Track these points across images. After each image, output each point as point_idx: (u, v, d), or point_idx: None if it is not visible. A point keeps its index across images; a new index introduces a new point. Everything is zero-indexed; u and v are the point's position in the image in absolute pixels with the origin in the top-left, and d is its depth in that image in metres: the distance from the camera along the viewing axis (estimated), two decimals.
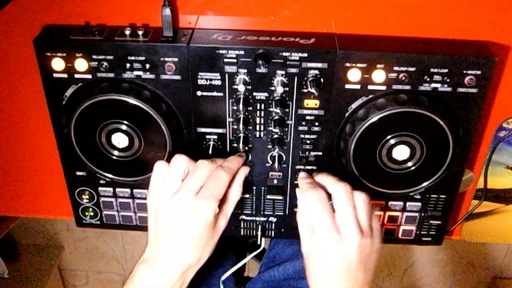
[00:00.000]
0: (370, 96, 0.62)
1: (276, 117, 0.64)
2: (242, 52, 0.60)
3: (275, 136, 0.66)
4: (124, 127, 0.64)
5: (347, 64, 0.60)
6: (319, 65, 0.60)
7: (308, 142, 0.66)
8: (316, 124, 0.65)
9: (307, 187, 0.62)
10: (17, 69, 0.70)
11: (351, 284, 0.58)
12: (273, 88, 0.62)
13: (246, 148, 0.67)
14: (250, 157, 0.68)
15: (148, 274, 0.58)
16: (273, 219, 0.74)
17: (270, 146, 0.67)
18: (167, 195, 0.57)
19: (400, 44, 0.61)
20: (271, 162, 0.68)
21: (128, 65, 0.61)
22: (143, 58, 0.61)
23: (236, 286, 0.90)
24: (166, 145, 0.65)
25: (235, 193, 0.62)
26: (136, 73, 0.62)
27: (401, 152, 0.64)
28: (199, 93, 0.63)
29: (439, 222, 0.73)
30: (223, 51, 0.60)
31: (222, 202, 0.59)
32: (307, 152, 0.67)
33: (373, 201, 0.62)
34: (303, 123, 0.65)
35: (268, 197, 0.71)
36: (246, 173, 0.65)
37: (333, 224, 0.58)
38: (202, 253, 0.59)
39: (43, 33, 0.63)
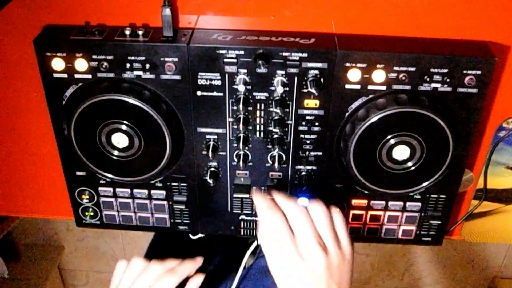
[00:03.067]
0: (370, 96, 0.62)
1: (276, 117, 0.64)
2: (242, 52, 0.60)
3: (275, 136, 0.66)
4: (124, 127, 0.64)
5: (347, 64, 0.60)
6: (319, 65, 0.60)
7: (308, 142, 0.66)
8: (316, 124, 0.65)
9: (265, 206, 0.58)
10: (17, 69, 0.70)
11: None
12: (273, 88, 0.62)
13: (246, 148, 0.67)
14: (250, 157, 0.68)
15: None
16: None
17: (270, 146, 0.67)
18: None
19: (400, 44, 0.61)
20: (271, 162, 0.68)
21: (128, 65, 0.61)
22: (143, 58, 0.61)
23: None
24: (166, 145, 0.65)
25: None
26: (136, 73, 0.62)
27: (401, 152, 0.64)
28: (199, 93, 0.63)
29: (439, 222, 0.73)
30: (223, 51, 0.60)
31: None
32: (307, 152, 0.67)
33: (334, 206, 0.59)
34: (303, 123, 0.65)
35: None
36: (199, 283, 0.67)
37: (296, 250, 0.55)
38: None
39: (43, 33, 0.63)
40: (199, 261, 0.68)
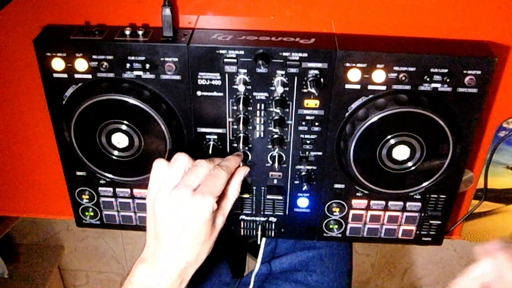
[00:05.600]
0: (370, 96, 0.62)
1: (276, 117, 0.64)
2: (242, 52, 0.60)
3: (275, 136, 0.66)
4: (124, 127, 0.64)
5: (347, 64, 0.60)
6: (319, 65, 0.60)
7: (308, 142, 0.66)
8: (316, 124, 0.65)
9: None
10: (17, 69, 0.70)
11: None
12: (273, 88, 0.62)
13: (246, 148, 0.67)
14: (250, 157, 0.68)
15: (147, 273, 0.58)
16: (273, 219, 0.74)
17: (270, 146, 0.67)
18: (165, 192, 0.57)
19: (400, 44, 0.61)
20: (271, 162, 0.68)
21: (128, 65, 0.61)
22: (143, 58, 0.61)
23: (232, 280, 0.91)
24: (166, 145, 0.65)
25: (233, 192, 0.62)
26: (136, 73, 0.62)
27: (401, 152, 0.64)
28: (199, 93, 0.63)
29: (439, 222, 0.73)
30: (223, 51, 0.60)
31: (220, 200, 0.59)
32: (307, 152, 0.67)
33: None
34: (303, 123, 0.65)
35: (268, 197, 0.71)
36: (245, 172, 0.65)
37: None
38: (200, 251, 0.59)
39: (43, 33, 0.63)
40: (241, 154, 0.66)
